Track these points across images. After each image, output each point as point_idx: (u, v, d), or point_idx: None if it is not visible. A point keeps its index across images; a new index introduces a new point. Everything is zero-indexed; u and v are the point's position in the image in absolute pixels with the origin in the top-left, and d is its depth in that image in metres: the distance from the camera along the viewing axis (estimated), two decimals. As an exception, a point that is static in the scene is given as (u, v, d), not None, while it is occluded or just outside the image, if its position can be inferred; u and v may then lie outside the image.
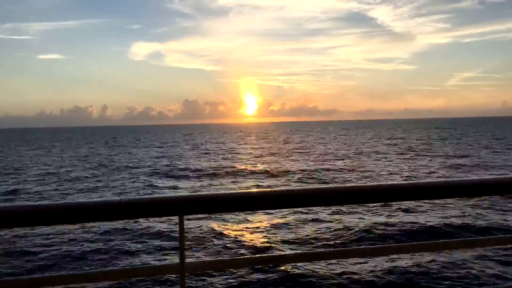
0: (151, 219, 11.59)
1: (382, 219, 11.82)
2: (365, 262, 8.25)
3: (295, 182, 20.53)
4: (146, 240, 10.40)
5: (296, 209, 12.39)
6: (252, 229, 11.20)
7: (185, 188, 19.63)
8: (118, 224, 11.44)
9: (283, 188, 1.47)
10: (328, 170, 24.05)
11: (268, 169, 25.30)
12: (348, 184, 1.59)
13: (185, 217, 1.37)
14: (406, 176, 21.00)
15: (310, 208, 12.39)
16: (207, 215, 11.47)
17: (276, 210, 12.30)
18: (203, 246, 9.89)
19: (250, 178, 21.94)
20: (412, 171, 22.63)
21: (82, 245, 10.11)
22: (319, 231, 10.84)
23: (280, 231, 10.98)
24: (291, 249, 9.60)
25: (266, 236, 10.55)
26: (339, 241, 10.11)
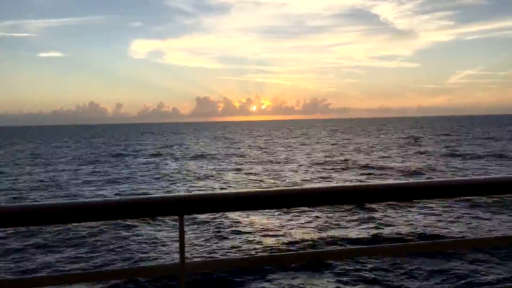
0: (151, 219, 11.60)
1: (382, 218, 11.81)
2: (366, 262, 8.25)
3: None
4: (146, 240, 10.41)
5: (297, 209, 12.39)
6: (252, 229, 11.19)
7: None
8: (118, 223, 11.44)
9: (283, 187, 1.47)
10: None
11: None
12: (348, 184, 1.59)
13: (185, 216, 1.36)
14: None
15: (310, 207, 12.39)
16: (207, 214, 11.47)
17: (277, 210, 12.30)
18: (203, 245, 9.89)
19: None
20: None
21: (82, 244, 10.11)
22: (320, 231, 10.84)
23: (280, 230, 10.97)
24: (291, 249, 9.60)
25: (266, 236, 10.54)
26: (339, 241, 10.11)
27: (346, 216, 12.17)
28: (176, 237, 10.28)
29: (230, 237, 10.56)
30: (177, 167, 27.49)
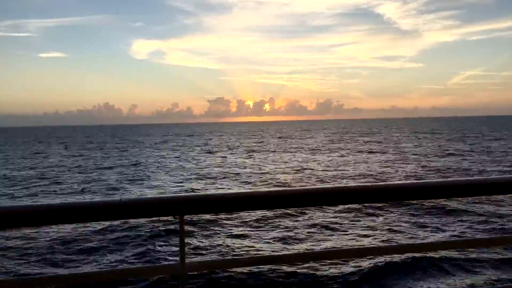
0: (151, 219, 11.59)
1: (383, 218, 11.81)
2: (366, 262, 8.24)
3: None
4: (146, 240, 10.40)
5: (297, 209, 12.39)
6: (252, 229, 11.19)
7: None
8: (119, 224, 11.44)
9: (284, 188, 1.47)
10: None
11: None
12: (348, 184, 1.59)
13: (186, 217, 1.36)
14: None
15: (310, 208, 12.38)
16: (208, 215, 11.47)
17: (277, 210, 12.29)
18: (203, 246, 9.88)
19: None
20: None
21: (82, 245, 10.11)
22: (320, 231, 10.83)
23: (281, 231, 10.97)
24: (291, 249, 9.60)
25: (266, 236, 10.54)
26: (339, 241, 10.11)
27: (347, 216, 12.17)
28: (176, 237, 10.28)
29: (230, 237, 10.55)
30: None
